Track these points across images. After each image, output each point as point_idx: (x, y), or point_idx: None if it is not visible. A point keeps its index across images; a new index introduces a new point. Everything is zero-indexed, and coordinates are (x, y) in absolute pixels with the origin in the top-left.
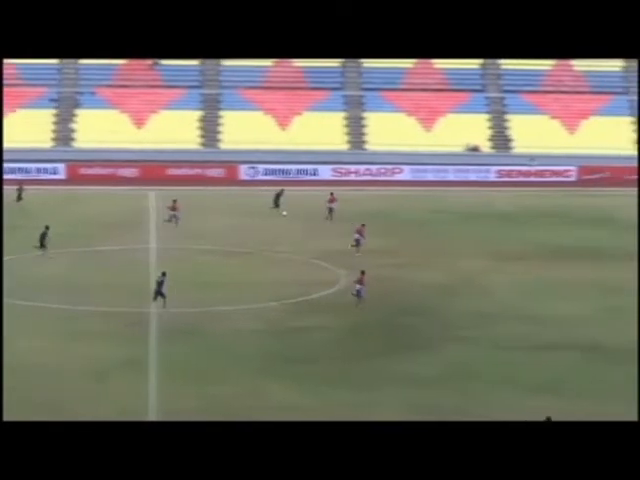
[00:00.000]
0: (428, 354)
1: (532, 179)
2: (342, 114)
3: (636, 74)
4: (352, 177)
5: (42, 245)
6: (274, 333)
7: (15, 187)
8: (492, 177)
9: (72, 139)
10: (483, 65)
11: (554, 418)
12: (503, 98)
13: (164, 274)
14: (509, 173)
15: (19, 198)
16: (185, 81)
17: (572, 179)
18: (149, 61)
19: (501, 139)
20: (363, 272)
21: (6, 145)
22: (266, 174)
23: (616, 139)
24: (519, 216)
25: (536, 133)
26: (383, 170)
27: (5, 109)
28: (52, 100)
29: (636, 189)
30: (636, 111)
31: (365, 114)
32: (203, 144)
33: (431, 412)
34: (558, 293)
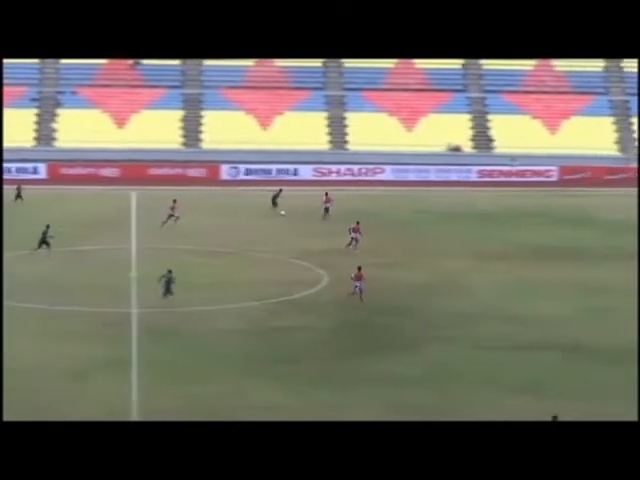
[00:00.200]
0: (410, 354)
1: (513, 179)
2: (323, 114)
3: (617, 74)
4: (333, 177)
5: (45, 244)
6: (256, 333)
7: (14, 186)
8: (473, 177)
9: (53, 139)
10: (464, 65)
11: (535, 418)
12: (484, 98)
13: (170, 271)
14: (490, 173)
15: (18, 197)
16: (166, 81)
17: (553, 179)
18: (130, 61)
19: (482, 139)
20: (360, 268)
21: None
22: (247, 174)
23: (597, 139)
24: (500, 216)
25: (517, 133)
26: (364, 170)
27: None
28: (33, 100)
29: (617, 189)
30: (617, 111)
31: (347, 114)
32: (184, 144)
33: (413, 412)
34: (539, 293)
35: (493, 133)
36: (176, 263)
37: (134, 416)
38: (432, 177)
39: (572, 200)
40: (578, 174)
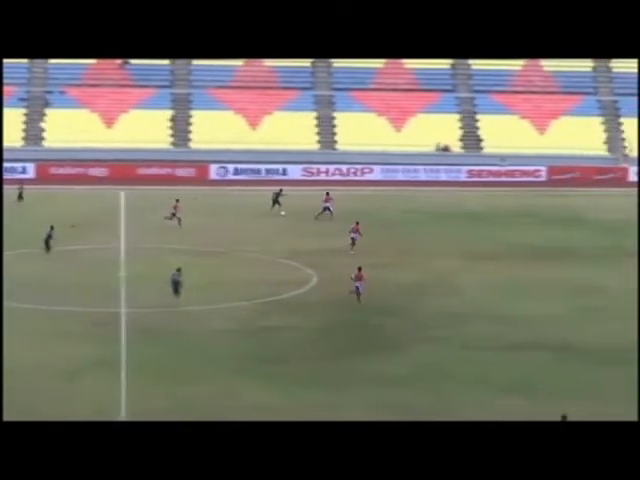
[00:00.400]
0: (400, 354)
1: (502, 179)
2: (312, 114)
3: (606, 75)
4: (322, 177)
5: (47, 246)
6: (245, 333)
7: (16, 187)
8: (463, 177)
9: (42, 138)
10: (453, 65)
11: (523, 418)
12: (473, 98)
13: (179, 270)
14: (479, 173)
15: (20, 197)
16: (155, 80)
17: (542, 179)
18: (119, 60)
19: (471, 139)
20: (360, 268)
21: None
22: (236, 174)
23: (586, 139)
24: (490, 216)
25: (506, 133)
26: (353, 170)
27: None
28: (22, 99)
29: (606, 189)
30: (606, 111)
31: (335, 114)
32: (173, 144)
33: (403, 412)
34: (529, 293)
35: (482, 133)
36: (165, 263)
37: (123, 416)
38: (421, 177)
39: (561, 200)
40: (567, 174)
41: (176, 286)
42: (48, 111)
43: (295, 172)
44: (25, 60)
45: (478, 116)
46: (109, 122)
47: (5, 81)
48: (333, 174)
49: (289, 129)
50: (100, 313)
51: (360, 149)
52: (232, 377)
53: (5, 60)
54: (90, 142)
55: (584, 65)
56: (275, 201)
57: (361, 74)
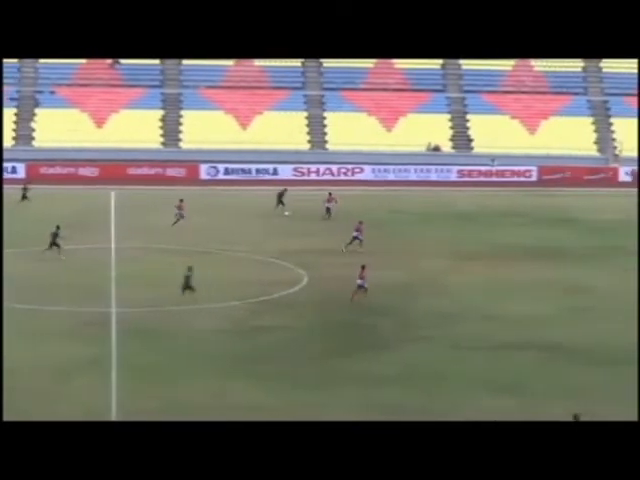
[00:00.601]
0: (389, 354)
1: (493, 179)
2: (303, 114)
3: (596, 75)
4: (313, 177)
5: (55, 245)
6: (237, 333)
7: (20, 186)
8: (453, 177)
9: (32, 138)
10: (443, 65)
11: (514, 418)
12: (464, 98)
13: (190, 269)
14: (470, 173)
15: (24, 197)
16: (145, 80)
17: (532, 179)
18: (109, 60)
19: (462, 139)
20: (363, 267)
21: None
22: (227, 174)
23: (576, 139)
24: (480, 216)
25: (497, 133)
26: (344, 170)
27: None
28: (12, 99)
29: (596, 189)
30: (596, 111)
31: (326, 114)
32: (164, 143)
33: (393, 412)
34: (519, 293)
35: (472, 133)
36: (156, 263)
37: (113, 416)
38: (412, 177)
39: (551, 200)
40: (557, 174)
41: (186, 282)
42: (38, 111)
43: (286, 172)
44: (15, 60)
45: (468, 116)
46: (99, 122)
47: None
48: (324, 174)
49: (279, 129)
50: (90, 313)
51: (351, 149)
52: (223, 377)
53: None
54: (80, 142)
55: (574, 65)
56: (279, 201)
57: (351, 74)
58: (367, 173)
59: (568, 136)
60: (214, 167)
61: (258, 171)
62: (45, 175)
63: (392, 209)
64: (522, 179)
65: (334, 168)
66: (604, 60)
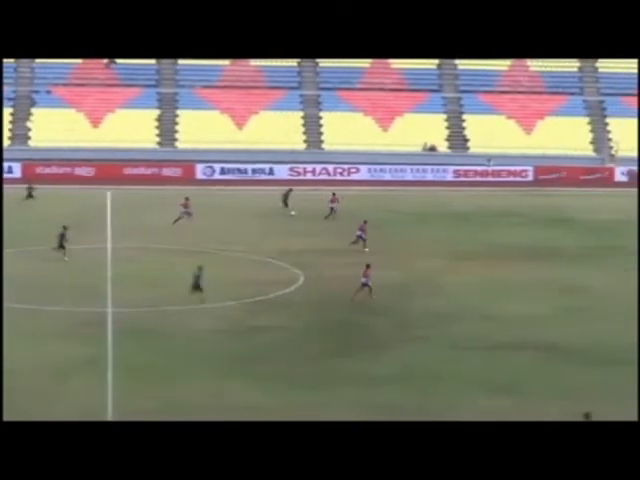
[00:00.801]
0: (387, 354)
1: (489, 179)
2: (299, 113)
3: (592, 75)
4: (309, 176)
5: (61, 246)
6: (233, 333)
7: (25, 186)
8: (449, 177)
9: (28, 138)
10: (439, 65)
11: (511, 418)
12: (460, 98)
13: (200, 268)
14: (466, 173)
15: (29, 196)
16: (141, 80)
17: (529, 179)
18: (105, 60)
19: (458, 139)
20: (368, 265)
21: None
22: (223, 173)
23: (572, 139)
24: (476, 216)
25: (493, 133)
26: (340, 170)
27: None
28: (8, 99)
29: (592, 189)
30: (592, 111)
31: (322, 113)
32: (160, 143)
33: (390, 411)
34: (515, 293)
35: (468, 133)
36: (152, 262)
37: (109, 416)
38: (408, 177)
39: (548, 200)
40: (553, 174)
41: (195, 282)
42: (34, 111)
43: (282, 172)
44: (11, 60)
45: (465, 116)
46: (95, 122)
47: None
48: (320, 174)
49: (276, 129)
50: (87, 313)
51: (347, 149)
52: (220, 377)
53: None
54: (76, 142)
55: (570, 65)
56: (285, 202)
57: (348, 74)
58: (363, 173)
59: (564, 136)
60: (210, 167)
61: (254, 171)
62: (41, 175)
63: (388, 209)
64: (518, 179)
65: (330, 168)
66: (600, 60)
